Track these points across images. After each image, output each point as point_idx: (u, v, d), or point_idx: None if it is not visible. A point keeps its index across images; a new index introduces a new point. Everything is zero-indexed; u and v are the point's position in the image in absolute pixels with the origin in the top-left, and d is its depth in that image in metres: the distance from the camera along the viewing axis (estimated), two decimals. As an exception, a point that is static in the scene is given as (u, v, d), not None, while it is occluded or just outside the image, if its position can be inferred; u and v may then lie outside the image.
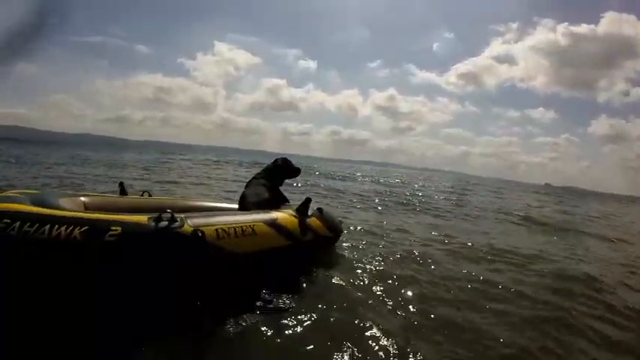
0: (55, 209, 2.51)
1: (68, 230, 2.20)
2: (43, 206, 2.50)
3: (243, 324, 2.40)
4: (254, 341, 2.27)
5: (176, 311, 2.43)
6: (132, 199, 3.85)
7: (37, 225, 2.20)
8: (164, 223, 2.42)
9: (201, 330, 2.32)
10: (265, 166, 4.38)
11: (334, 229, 3.92)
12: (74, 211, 2.54)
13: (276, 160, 4.36)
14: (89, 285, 2.27)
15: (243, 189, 4.14)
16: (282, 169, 4.32)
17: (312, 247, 3.54)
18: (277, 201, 4.02)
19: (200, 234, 2.46)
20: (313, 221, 3.59)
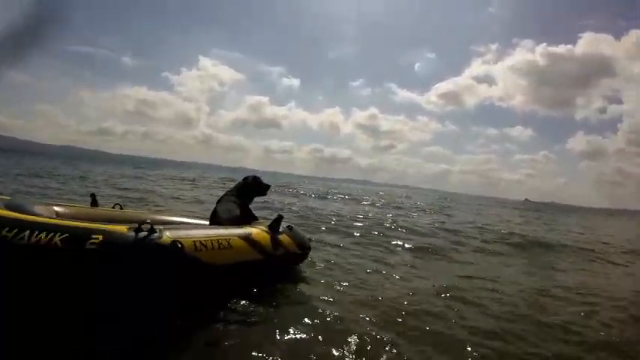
0: (32, 215, 2.54)
1: (48, 237, 2.25)
2: (19, 212, 2.53)
3: (214, 330, 2.50)
4: (222, 346, 2.33)
5: (152, 316, 2.48)
6: (104, 210, 3.85)
7: (16, 230, 2.25)
8: (143, 234, 2.47)
9: (175, 334, 2.38)
10: (236, 183, 4.40)
11: (303, 247, 3.96)
12: (53, 219, 2.58)
13: (246, 178, 4.39)
14: (68, 290, 2.33)
15: (214, 206, 4.16)
16: (252, 187, 4.34)
17: (282, 263, 3.65)
18: (247, 218, 4.06)
19: (179, 245, 2.55)
20: (284, 238, 3.65)
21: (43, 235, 2.26)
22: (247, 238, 3.21)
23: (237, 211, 3.98)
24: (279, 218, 3.76)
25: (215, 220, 3.89)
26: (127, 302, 2.42)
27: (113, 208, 4.04)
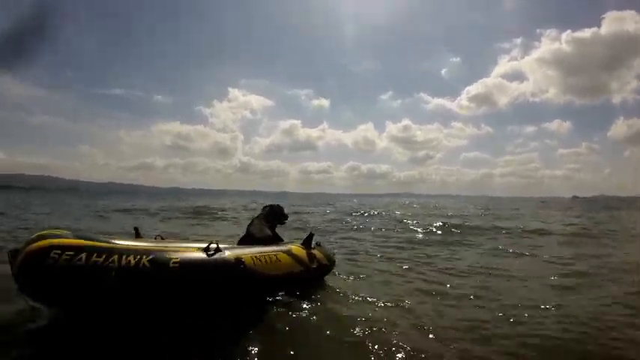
0: (106, 242, 2.77)
1: (136, 259, 2.59)
2: (89, 239, 2.76)
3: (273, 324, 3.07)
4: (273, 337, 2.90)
5: (216, 319, 2.98)
6: (149, 242, 3.91)
7: (105, 255, 2.54)
8: (212, 252, 2.96)
9: (239, 331, 2.90)
10: (263, 207, 5.03)
11: (331, 260, 4.59)
12: (135, 243, 2.94)
13: (272, 205, 5.02)
14: (157, 303, 2.72)
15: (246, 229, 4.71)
16: (276, 214, 4.94)
17: (316, 274, 4.16)
18: (276, 238, 4.62)
19: (242, 260, 3.11)
20: (317, 252, 4.25)
21: (132, 257, 2.59)
22: (289, 253, 3.80)
23: (269, 232, 4.57)
24: (311, 235, 4.33)
25: (250, 239, 4.37)
26: (197, 309, 2.89)
27: (155, 239, 4.18)
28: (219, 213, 18.86)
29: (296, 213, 16.90)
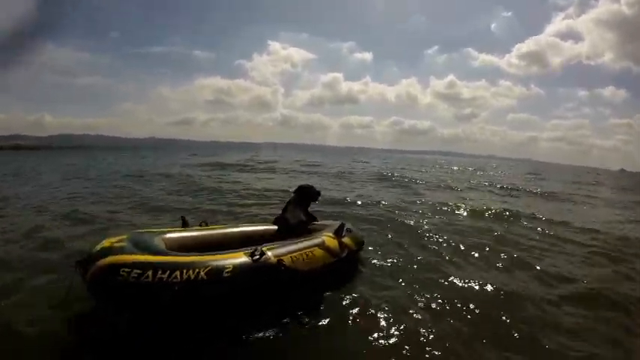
0: (159, 254, 3.11)
1: (195, 272, 2.87)
2: (150, 251, 3.11)
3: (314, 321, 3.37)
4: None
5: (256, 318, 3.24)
6: (198, 231, 4.42)
7: (169, 271, 2.83)
8: (257, 257, 3.20)
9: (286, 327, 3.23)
10: (294, 190, 5.38)
11: (360, 243, 4.91)
12: (192, 255, 3.17)
13: (303, 187, 5.33)
14: (213, 310, 3.03)
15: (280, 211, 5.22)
16: (308, 195, 5.30)
17: (347, 260, 4.40)
18: (310, 219, 5.12)
19: (283, 262, 3.37)
20: (347, 240, 4.50)
21: (191, 272, 2.87)
22: (323, 246, 4.03)
23: (303, 217, 5.00)
24: (342, 225, 4.57)
25: (285, 224, 4.88)
26: (247, 309, 3.20)
27: (200, 225, 4.59)
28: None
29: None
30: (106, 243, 3.21)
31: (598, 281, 4.75)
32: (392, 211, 8.61)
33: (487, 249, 5.84)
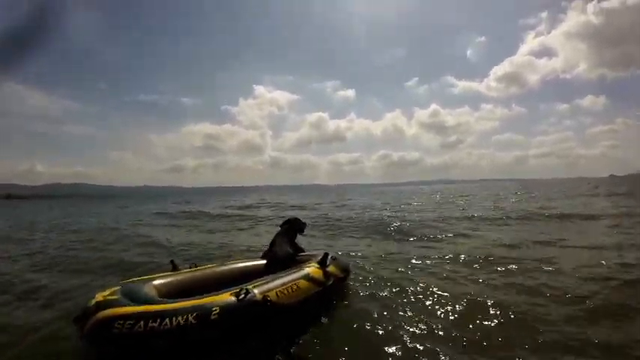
0: (156, 304, 3.31)
1: (185, 317, 3.07)
2: (139, 301, 3.35)
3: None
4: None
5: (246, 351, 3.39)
6: (187, 273, 4.64)
7: (159, 320, 3.03)
8: (242, 296, 3.36)
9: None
10: (282, 224, 5.69)
11: (346, 270, 5.07)
12: (179, 302, 3.34)
13: (289, 221, 5.67)
14: (201, 348, 3.13)
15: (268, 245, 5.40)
16: (294, 227, 5.59)
17: (333, 287, 4.51)
18: (296, 251, 5.32)
19: (268, 298, 3.49)
20: (332, 268, 4.65)
21: (180, 318, 3.05)
22: (307, 277, 4.16)
23: (290, 250, 5.19)
24: (326, 255, 4.71)
25: (273, 258, 5.03)
26: (233, 344, 3.29)
27: (190, 268, 4.79)
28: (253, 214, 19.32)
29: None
30: (99, 297, 3.45)
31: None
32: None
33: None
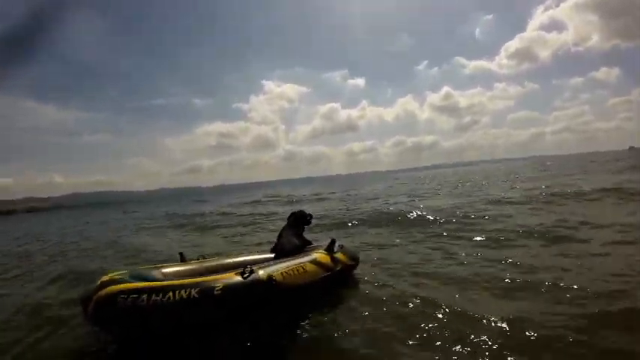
0: (161, 281, 3.40)
1: (188, 292, 3.11)
2: (147, 280, 3.41)
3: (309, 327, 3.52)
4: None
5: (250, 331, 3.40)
6: (197, 263, 4.71)
7: (162, 294, 3.08)
8: (247, 275, 3.38)
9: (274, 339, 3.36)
10: (287, 217, 5.68)
11: (354, 259, 5.05)
12: (183, 280, 3.38)
13: (295, 213, 5.64)
14: (207, 324, 3.24)
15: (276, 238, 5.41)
16: (300, 220, 5.56)
17: (341, 274, 4.54)
18: (304, 244, 5.26)
19: (273, 278, 3.49)
20: (340, 255, 4.69)
21: (183, 292, 3.10)
22: (314, 262, 4.21)
23: (297, 242, 5.16)
24: (333, 241, 4.78)
25: (280, 250, 5.02)
26: (238, 322, 3.36)
27: (198, 260, 4.84)
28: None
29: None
30: (105, 277, 3.47)
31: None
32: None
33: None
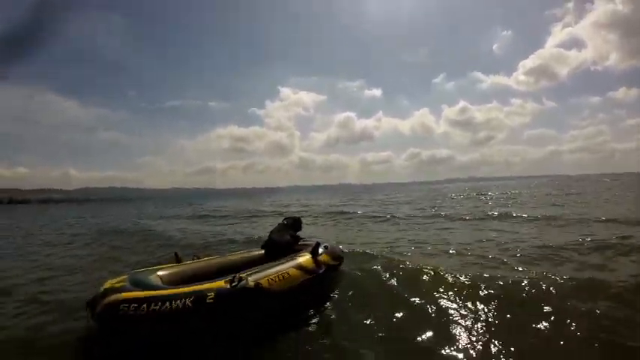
0: (154, 288, 3.59)
1: (183, 301, 3.29)
2: (145, 287, 3.58)
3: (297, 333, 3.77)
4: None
5: (240, 337, 3.58)
6: (190, 264, 4.91)
7: (160, 304, 3.26)
8: (235, 283, 3.56)
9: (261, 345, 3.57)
10: (285, 218, 6.26)
11: (338, 258, 5.34)
12: (179, 287, 3.58)
13: (289, 217, 6.29)
14: (199, 332, 3.37)
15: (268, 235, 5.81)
16: (294, 223, 6.16)
17: (325, 274, 4.72)
18: (296, 240, 5.72)
19: (260, 285, 3.74)
20: (323, 257, 4.90)
21: (179, 302, 3.28)
22: (298, 266, 4.41)
23: (288, 238, 5.62)
24: (317, 245, 4.98)
25: (272, 244, 5.46)
26: (228, 329, 3.52)
27: (193, 260, 5.06)
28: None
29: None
30: (107, 285, 3.72)
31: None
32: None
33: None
